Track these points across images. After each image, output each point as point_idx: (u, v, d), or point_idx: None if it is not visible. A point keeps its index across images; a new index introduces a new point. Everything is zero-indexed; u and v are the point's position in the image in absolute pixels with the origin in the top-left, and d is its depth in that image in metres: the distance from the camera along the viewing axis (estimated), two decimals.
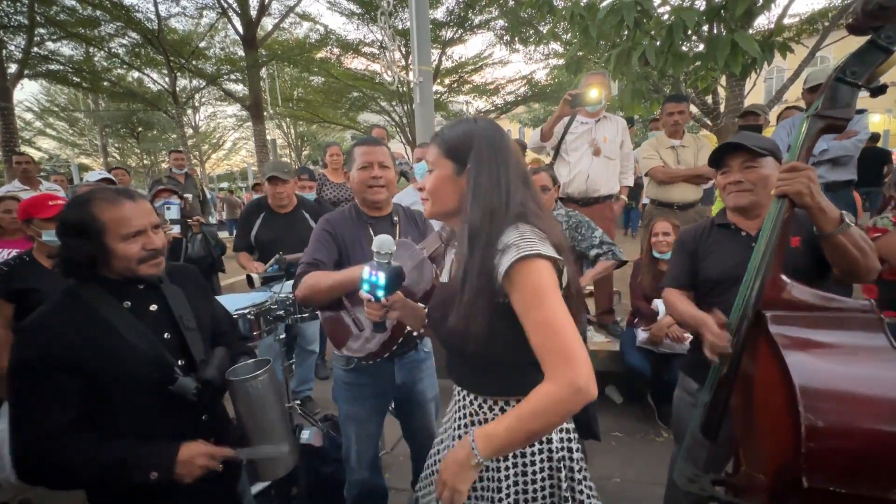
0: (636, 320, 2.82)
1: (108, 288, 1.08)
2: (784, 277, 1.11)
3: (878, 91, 1.09)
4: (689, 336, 2.52)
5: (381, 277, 1.01)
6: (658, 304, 2.67)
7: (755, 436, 1.09)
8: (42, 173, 6.57)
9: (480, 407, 0.98)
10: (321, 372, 3.53)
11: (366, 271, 1.03)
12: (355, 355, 1.51)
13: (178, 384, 1.06)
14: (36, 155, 19.78)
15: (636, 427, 2.72)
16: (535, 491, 0.94)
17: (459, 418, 1.03)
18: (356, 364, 1.58)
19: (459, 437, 1.02)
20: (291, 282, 2.48)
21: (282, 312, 2.22)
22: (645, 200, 4.98)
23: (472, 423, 0.99)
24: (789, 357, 0.90)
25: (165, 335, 1.13)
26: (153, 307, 1.14)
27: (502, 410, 0.95)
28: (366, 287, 1.04)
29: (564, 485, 0.94)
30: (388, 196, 1.63)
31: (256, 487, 1.46)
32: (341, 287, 1.44)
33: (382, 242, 1.05)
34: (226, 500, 1.26)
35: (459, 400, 1.04)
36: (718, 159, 1.40)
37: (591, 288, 3.33)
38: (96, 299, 1.06)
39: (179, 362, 1.12)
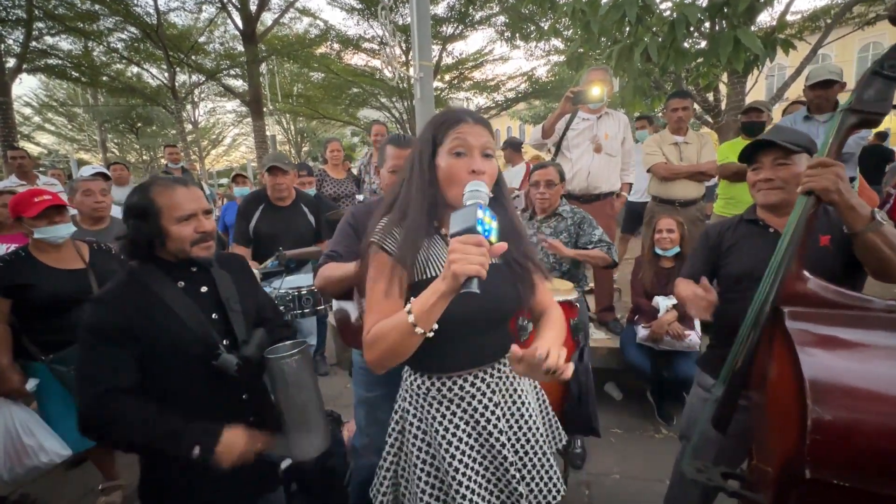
0: (636, 317, 2.81)
1: (165, 269, 1.19)
2: (806, 273, 1.07)
3: None
4: (689, 333, 2.53)
5: (492, 223, 0.80)
6: (658, 301, 2.67)
7: (766, 430, 1.08)
8: (41, 169, 6.55)
9: (505, 364, 1.06)
10: (320, 368, 3.53)
11: (481, 211, 0.79)
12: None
13: (221, 360, 1.14)
14: (35, 150, 19.79)
15: (636, 424, 2.72)
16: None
17: (500, 389, 1.06)
18: None
19: (511, 398, 1.08)
20: (290, 277, 2.49)
21: (281, 308, 2.21)
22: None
23: (510, 387, 1.08)
24: (801, 351, 0.88)
25: (213, 315, 1.22)
26: (203, 289, 1.24)
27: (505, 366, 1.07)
28: (482, 228, 0.78)
29: None
30: None
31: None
32: (350, 279, 1.47)
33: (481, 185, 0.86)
34: (266, 479, 1.33)
35: (489, 381, 1.05)
36: (750, 156, 1.37)
37: (592, 285, 3.33)
38: (154, 278, 1.16)
39: (224, 341, 1.21)
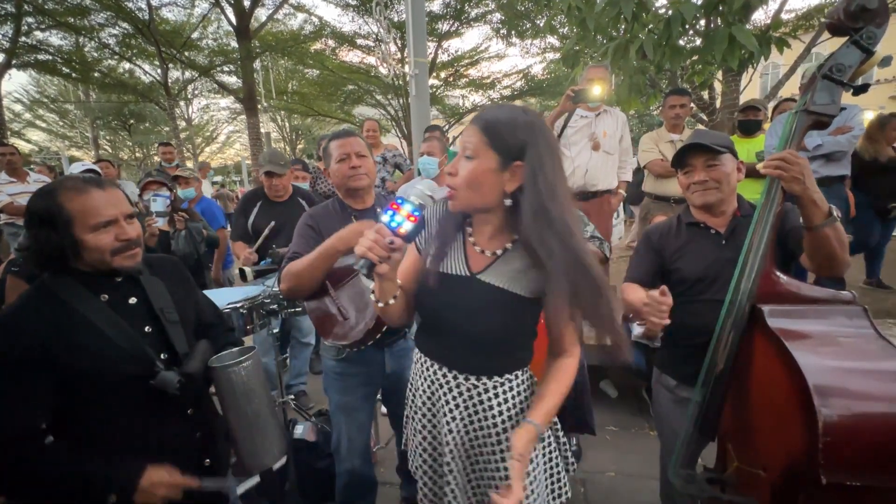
0: (631, 315, 2.81)
1: (83, 281, 1.04)
2: (776, 271, 1.11)
3: (861, 90, 1.13)
4: None
5: (413, 220, 0.85)
6: None
7: (753, 432, 1.08)
8: (32, 166, 6.47)
9: (485, 386, 1.02)
10: (315, 367, 3.51)
11: (399, 207, 0.85)
12: (340, 342, 1.52)
13: (160, 378, 1.03)
14: (25, 147, 19.53)
15: (631, 421, 2.73)
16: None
17: (464, 401, 1.02)
18: (346, 354, 1.60)
19: (470, 418, 1.03)
20: None
21: (275, 306, 2.19)
22: None
23: (479, 403, 1.02)
24: (795, 351, 0.90)
25: (146, 329, 1.10)
26: (132, 300, 1.10)
27: (502, 385, 1.02)
28: (390, 221, 0.85)
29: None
30: (370, 183, 1.62)
31: (245, 485, 1.43)
32: (319, 260, 1.42)
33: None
34: (213, 498, 1.20)
35: (453, 385, 1.03)
36: (680, 160, 1.41)
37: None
38: (70, 293, 1.02)
39: (162, 356, 1.09)
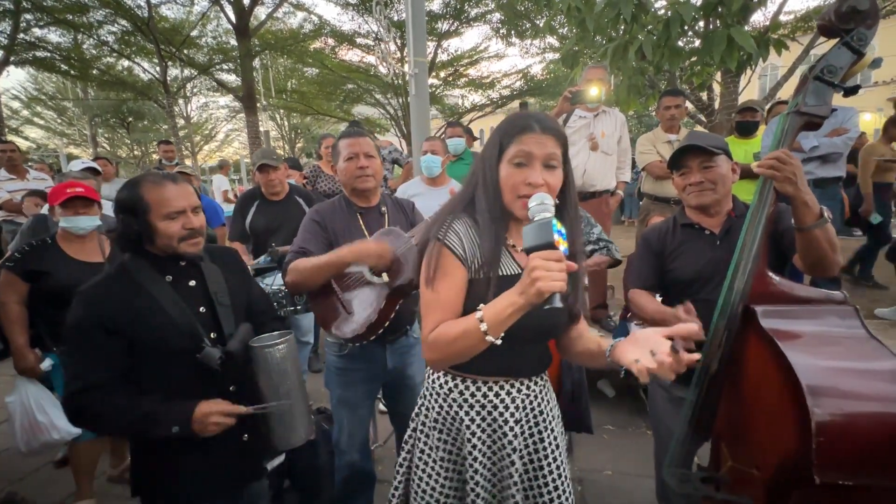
0: (629, 315, 2.83)
1: (154, 263, 1.20)
2: (769, 272, 1.13)
3: (851, 91, 1.13)
4: None
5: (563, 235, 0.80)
6: None
7: (746, 431, 1.09)
8: (30, 163, 6.45)
9: (536, 384, 1.05)
10: (314, 365, 3.52)
11: (558, 224, 0.80)
12: (344, 337, 1.54)
13: (205, 353, 1.16)
14: (23, 144, 19.42)
15: (628, 420, 2.74)
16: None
17: (525, 406, 1.02)
18: (349, 349, 1.62)
19: (528, 423, 1.04)
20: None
21: (274, 305, 2.19)
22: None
23: (537, 407, 1.05)
24: (789, 351, 0.91)
25: (201, 309, 1.24)
26: (192, 283, 1.25)
27: (541, 380, 1.07)
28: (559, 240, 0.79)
29: None
30: (376, 185, 1.66)
31: (272, 463, 1.52)
32: (329, 267, 1.47)
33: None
34: (250, 470, 1.35)
35: (515, 395, 1.01)
36: (676, 161, 1.43)
37: (586, 282, 3.33)
38: (142, 272, 1.18)
39: (211, 335, 1.22)
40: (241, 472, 1.31)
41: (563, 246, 0.78)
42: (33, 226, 2.54)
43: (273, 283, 2.19)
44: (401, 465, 1.14)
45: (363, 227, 1.63)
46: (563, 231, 0.80)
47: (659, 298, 1.54)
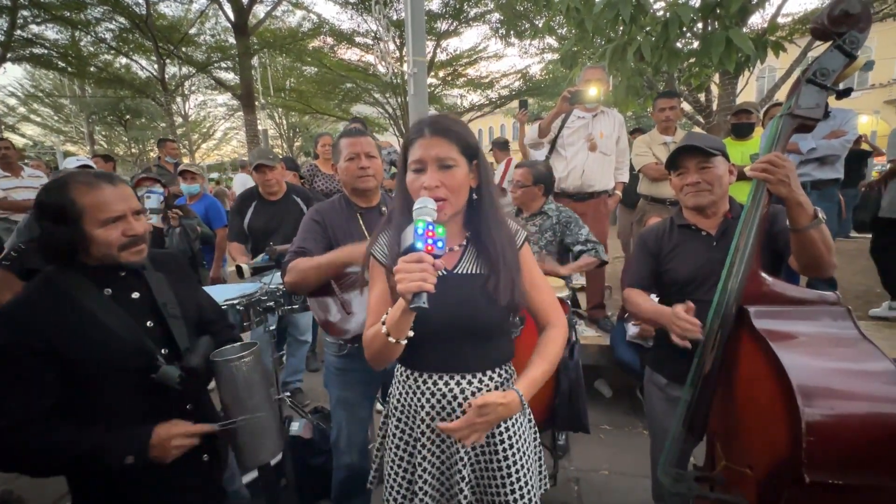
0: (626, 315, 2.84)
1: (89, 274, 1.05)
2: (763, 272, 1.13)
3: (843, 94, 1.14)
4: None
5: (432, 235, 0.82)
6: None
7: (739, 430, 1.10)
8: (26, 161, 6.41)
9: (492, 379, 1.06)
10: (311, 364, 3.51)
11: (422, 227, 0.82)
12: (343, 337, 1.54)
13: (161, 372, 1.04)
14: (20, 141, 19.32)
15: (625, 420, 2.75)
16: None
17: (452, 407, 1.03)
18: (349, 349, 1.62)
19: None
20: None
21: (272, 304, 2.19)
22: None
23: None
24: (780, 352, 0.91)
25: (148, 323, 1.11)
26: (135, 294, 1.12)
27: (500, 376, 1.07)
28: (421, 244, 0.81)
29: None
30: (376, 185, 1.66)
31: (243, 480, 1.45)
32: (328, 267, 1.46)
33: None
34: (211, 492, 1.24)
35: (447, 389, 1.03)
36: (674, 162, 1.44)
37: (583, 282, 3.34)
38: (75, 286, 1.03)
39: (163, 350, 1.10)
40: (201, 497, 1.19)
41: (439, 238, 0.81)
42: (30, 223, 2.54)
43: (271, 281, 2.19)
44: (378, 450, 1.20)
45: (363, 227, 1.63)
46: (437, 228, 0.82)
47: (655, 299, 1.55)
